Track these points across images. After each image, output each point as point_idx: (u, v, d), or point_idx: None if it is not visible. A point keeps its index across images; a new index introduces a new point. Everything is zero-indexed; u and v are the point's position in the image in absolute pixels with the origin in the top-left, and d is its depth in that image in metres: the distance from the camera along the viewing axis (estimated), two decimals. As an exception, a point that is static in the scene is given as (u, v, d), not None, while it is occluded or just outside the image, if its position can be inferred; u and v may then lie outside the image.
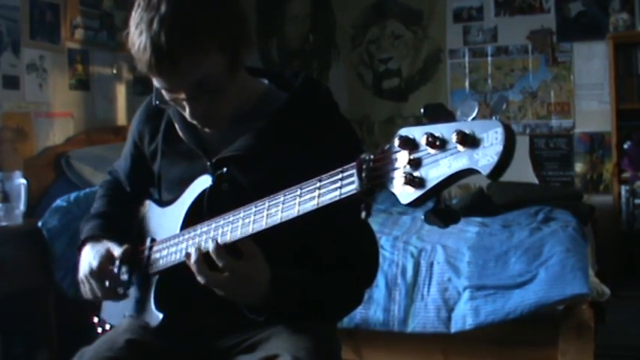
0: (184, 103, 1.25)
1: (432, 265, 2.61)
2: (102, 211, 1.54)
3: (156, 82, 1.23)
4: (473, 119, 0.87)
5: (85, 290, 1.43)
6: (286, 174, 1.11)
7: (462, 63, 4.82)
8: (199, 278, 1.17)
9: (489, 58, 4.76)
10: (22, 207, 2.90)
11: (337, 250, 1.30)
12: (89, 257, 1.42)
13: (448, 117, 0.87)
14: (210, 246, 1.17)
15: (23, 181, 2.91)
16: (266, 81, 1.38)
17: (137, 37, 1.16)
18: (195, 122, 1.30)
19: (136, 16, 1.18)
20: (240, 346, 1.33)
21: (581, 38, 4.54)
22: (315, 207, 1.01)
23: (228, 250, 1.17)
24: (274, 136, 1.28)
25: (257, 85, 1.36)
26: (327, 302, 1.32)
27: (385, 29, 4.99)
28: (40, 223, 2.88)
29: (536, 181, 4.55)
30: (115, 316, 1.50)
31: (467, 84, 4.81)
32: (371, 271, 1.37)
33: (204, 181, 1.31)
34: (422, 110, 0.89)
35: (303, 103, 1.32)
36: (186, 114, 1.27)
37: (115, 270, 1.39)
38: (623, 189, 4.27)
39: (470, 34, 4.79)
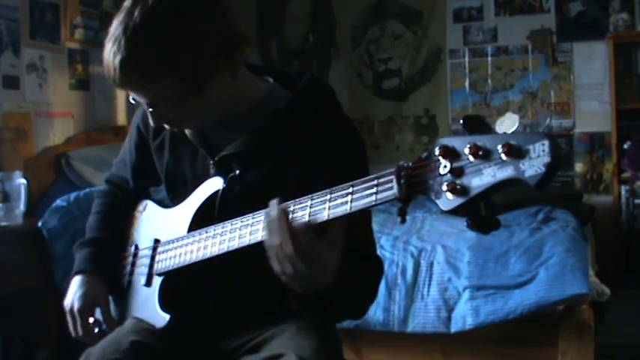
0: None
1: (432, 265, 2.61)
2: (94, 237, 1.53)
3: None
4: (513, 132, 0.88)
5: (68, 325, 1.44)
6: (289, 172, 1.11)
7: (462, 63, 4.82)
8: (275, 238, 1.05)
9: (489, 58, 4.76)
10: (22, 207, 2.90)
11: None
12: (75, 294, 1.43)
13: (487, 129, 0.89)
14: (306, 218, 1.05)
15: (23, 181, 2.91)
16: (271, 79, 1.38)
17: (104, 51, 1.20)
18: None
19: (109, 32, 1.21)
20: (244, 346, 1.32)
21: (581, 38, 4.53)
22: (347, 212, 1.00)
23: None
24: (276, 134, 1.28)
25: (260, 84, 1.36)
26: (356, 297, 1.27)
27: (385, 29, 4.98)
28: (40, 223, 2.88)
29: (536, 181, 4.54)
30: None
31: (467, 84, 4.81)
32: (381, 267, 1.37)
33: (215, 183, 1.30)
34: (461, 122, 0.91)
35: (306, 102, 1.31)
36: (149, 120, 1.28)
37: (94, 319, 1.42)
38: (623, 189, 4.27)
39: (470, 34, 4.79)
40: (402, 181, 0.94)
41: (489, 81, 4.77)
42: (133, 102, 1.28)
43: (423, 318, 2.51)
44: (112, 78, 1.19)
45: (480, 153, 0.85)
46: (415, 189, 0.93)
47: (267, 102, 1.32)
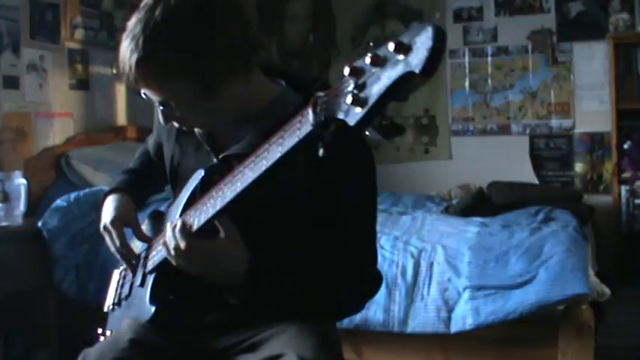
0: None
1: (432, 265, 2.61)
2: (130, 168, 1.61)
3: None
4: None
5: (107, 242, 1.47)
6: (291, 174, 1.11)
7: (462, 63, 4.82)
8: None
9: (489, 58, 4.76)
10: (22, 207, 2.90)
11: (334, 252, 1.28)
12: (106, 212, 1.47)
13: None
14: (168, 230, 1.20)
15: (23, 181, 2.91)
16: (283, 82, 1.37)
17: (121, 47, 1.21)
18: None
19: (127, 27, 1.21)
20: (240, 345, 1.32)
21: (581, 38, 4.53)
22: (281, 153, 1.02)
23: (208, 230, 1.17)
24: None
25: (272, 87, 1.35)
26: (314, 298, 1.30)
27: (385, 29, 4.98)
28: (40, 223, 2.88)
29: (536, 181, 4.55)
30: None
31: (467, 84, 4.81)
32: (370, 278, 1.35)
33: (198, 176, 1.31)
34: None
35: None
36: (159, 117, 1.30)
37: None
38: (623, 189, 4.27)
39: (470, 34, 4.79)
40: (318, 109, 0.95)
41: (489, 81, 4.77)
42: (144, 97, 1.29)
43: (423, 318, 2.51)
44: (126, 74, 1.20)
45: (379, 61, 0.86)
46: (328, 113, 0.94)
47: (276, 105, 1.32)
